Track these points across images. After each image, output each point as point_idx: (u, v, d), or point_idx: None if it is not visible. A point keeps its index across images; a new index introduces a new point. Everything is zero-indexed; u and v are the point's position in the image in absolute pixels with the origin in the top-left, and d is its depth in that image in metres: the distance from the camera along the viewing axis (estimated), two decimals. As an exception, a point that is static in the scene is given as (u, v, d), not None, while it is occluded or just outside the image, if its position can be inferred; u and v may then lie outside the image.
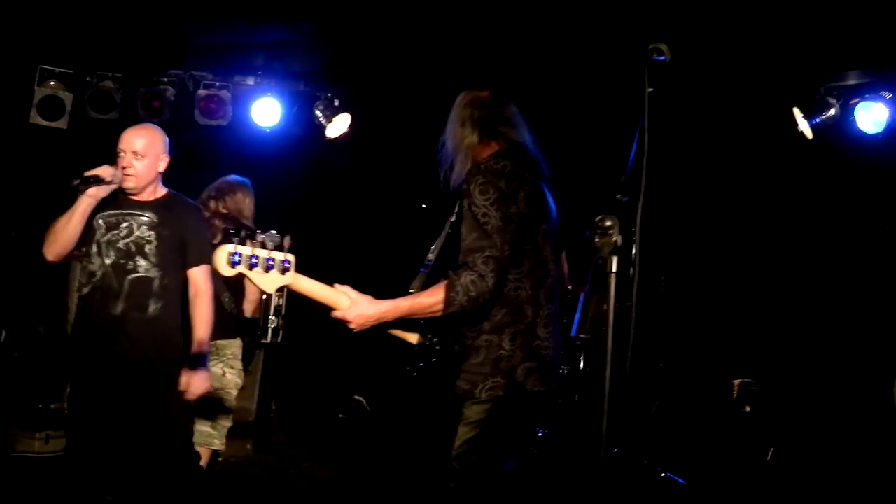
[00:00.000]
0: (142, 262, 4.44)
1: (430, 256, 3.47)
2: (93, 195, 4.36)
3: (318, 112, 7.02)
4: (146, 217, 4.48)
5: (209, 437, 5.58)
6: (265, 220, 6.23)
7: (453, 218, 3.43)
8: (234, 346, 5.71)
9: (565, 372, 5.88)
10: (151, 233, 4.43)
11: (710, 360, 6.92)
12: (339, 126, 7.00)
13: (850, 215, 6.75)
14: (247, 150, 7.13)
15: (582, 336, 2.62)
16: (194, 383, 4.51)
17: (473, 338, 3.22)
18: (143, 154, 4.39)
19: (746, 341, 6.85)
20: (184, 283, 4.56)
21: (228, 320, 5.65)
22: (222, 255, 3.01)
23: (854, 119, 6.45)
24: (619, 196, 2.67)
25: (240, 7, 6.39)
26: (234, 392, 5.75)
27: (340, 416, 7.06)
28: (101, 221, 4.45)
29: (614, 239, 2.57)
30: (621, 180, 2.74)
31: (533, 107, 3.59)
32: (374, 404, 6.92)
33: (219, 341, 5.56)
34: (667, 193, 6.42)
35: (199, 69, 7.04)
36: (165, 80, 7.03)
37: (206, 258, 4.49)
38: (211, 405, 5.56)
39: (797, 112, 6.56)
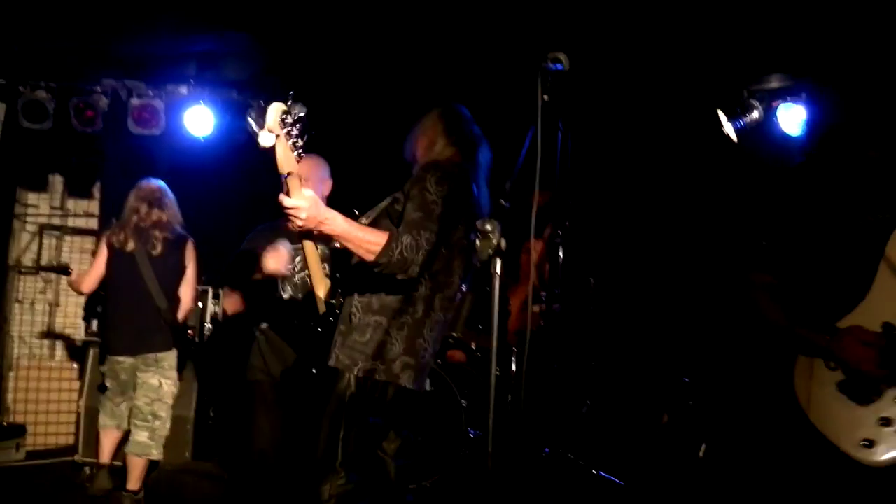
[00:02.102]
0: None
1: (364, 220, 3.49)
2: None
3: (250, 120, 6.96)
4: None
5: (147, 448, 5.67)
6: (201, 228, 6.28)
7: (386, 202, 3.48)
8: (171, 358, 5.80)
9: (498, 373, 5.85)
10: None
11: (642, 358, 6.98)
12: (271, 135, 6.89)
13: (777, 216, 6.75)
14: (181, 159, 7.12)
15: (454, 334, 2.69)
16: None
17: (362, 314, 3.32)
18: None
19: (677, 340, 6.88)
20: None
21: (165, 332, 5.74)
22: (277, 109, 3.09)
23: (777, 121, 6.52)
24: (501, 201, 2.79)
25: (171, 17, 6.36)
26: (170, 402, 5.83)
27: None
28: None
29: (495, 241, 2.63)
30: (506, 186, 2.87)
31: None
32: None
33: (157, 353, 5.68)
34: (596, 195, 6.57)
35: (132, 78, 7.01)
36: (98, 89, 7.00)
37: None
38: (148, 415, 5.68)
39: (721, 115, 6.61)
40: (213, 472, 6.38)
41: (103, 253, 5.72)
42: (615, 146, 6.98)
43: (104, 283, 5.75)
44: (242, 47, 6.82)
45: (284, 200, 3.10)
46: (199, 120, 7.01)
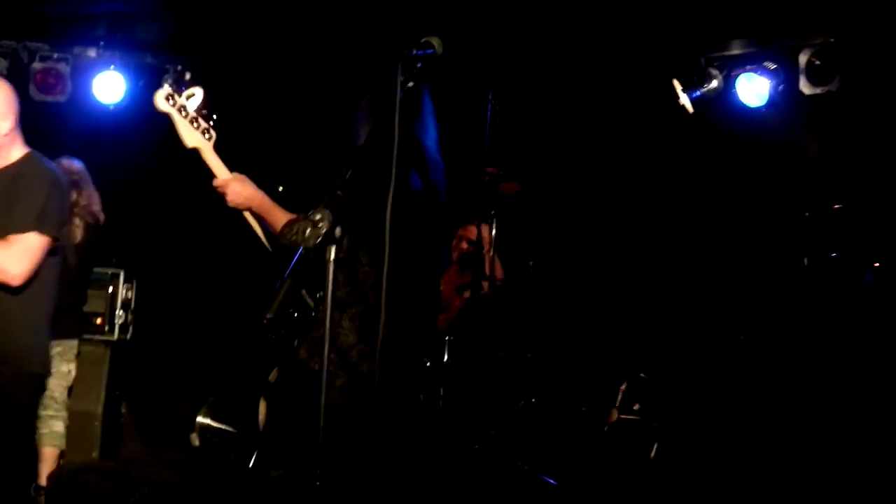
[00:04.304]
0: None
1: None
2: None
3: (167, 87, 6.58)
4: None
5: (61, 438, 5.54)
6: (112, 204, 5.95)
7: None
8: (76, 346, 5.61)
9: (428, 365, 5.71)
10: None
11: (585, 350, 6.70)
12: (191, 103, 6.54)
13: (733, 196, 6.60)
14: (88, 128, 6.73)
15: (268, 316, 2.64)
16: None
17: (321, 309, 3.25)
18: None
19: (623, 330, 6.66)
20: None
21: (69, 318, 5.40)
22: (162, 92, 3.45)
23: (736, 92, 6.31)
24: (338, 192, 2.66)
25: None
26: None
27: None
28: None
29: (323, 231, 2.59)
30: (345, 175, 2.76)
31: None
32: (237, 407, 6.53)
33: (64, 340, 5.39)
34: (539, 176, 6.33)
35: (35, 39, 6.62)
36: (-3, 50, 6.64)
37: (29, 223, 3.73)
38: (62, 404, 5.52)
39: (677, 84, 6.36)
40: (117, 470, 5.94)
41: None
42: (558, 120, 6.77)
43: None
44: (157, 7, 6.60)
45: (214, 182, 3.40)
46: (109, 86, 6.63)
